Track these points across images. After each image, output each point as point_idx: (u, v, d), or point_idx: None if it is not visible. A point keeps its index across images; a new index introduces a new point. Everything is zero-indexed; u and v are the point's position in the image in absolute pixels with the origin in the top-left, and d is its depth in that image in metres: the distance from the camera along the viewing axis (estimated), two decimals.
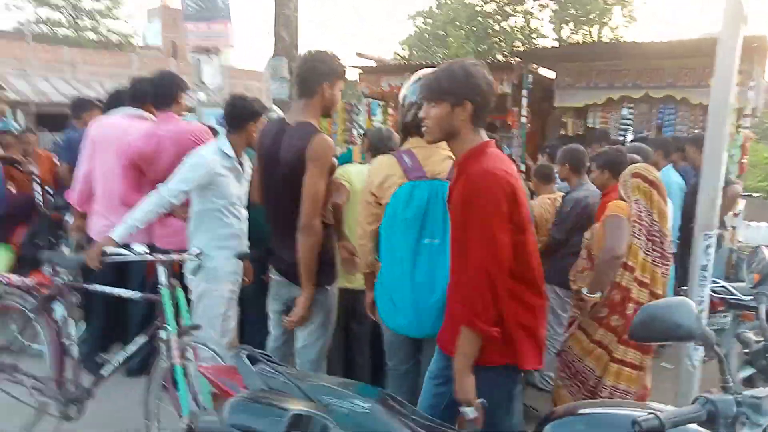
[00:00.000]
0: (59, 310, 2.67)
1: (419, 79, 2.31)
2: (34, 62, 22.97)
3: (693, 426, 1.21)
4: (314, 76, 2.40)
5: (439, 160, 2.26)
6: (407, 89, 2.35)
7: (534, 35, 19.84)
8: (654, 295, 2.86)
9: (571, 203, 3.60)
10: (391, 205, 2.24)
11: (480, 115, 1.83)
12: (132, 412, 2.70)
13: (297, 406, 1.27)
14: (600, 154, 3.58)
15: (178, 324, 2.50)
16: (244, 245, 2.88)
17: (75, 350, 2.69)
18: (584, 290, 2.85)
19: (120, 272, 3.22)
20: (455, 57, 18.89)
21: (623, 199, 2.92)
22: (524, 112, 7.16)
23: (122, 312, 3.35)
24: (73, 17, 34.15)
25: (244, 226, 2.89)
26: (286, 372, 1.51)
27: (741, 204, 6.75)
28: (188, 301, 2.69)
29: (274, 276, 2.61)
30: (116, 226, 2.55)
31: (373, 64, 8.36)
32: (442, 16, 21.54)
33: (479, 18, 19.87)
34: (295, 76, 2.49)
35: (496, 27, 20.15)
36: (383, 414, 1.44)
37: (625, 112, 6.85)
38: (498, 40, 19.25)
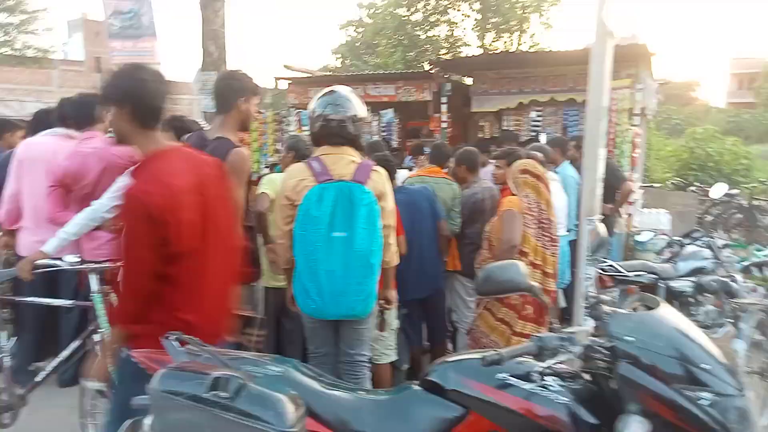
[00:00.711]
0: None
1: (327, 92, 2.62)
2: None
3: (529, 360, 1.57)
4: (230, 92, 2.67)
5: (345, 164, 2.57)
6: (314, 102, 2.65)
7: (459, 43, 20.65)
8: (546, 275, 3.29)
9: (465, 199, 4.04)
10: (303, 205, 2.51)
11: (142, 116, 1.86)
12: (67, 417, 2.85)
13: (217, 371, 1.54)
14: (501, 153, 4.04)
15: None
16: None
17: (6, 360, 2.81)
18: None
19: (51, 285, 3.32)
20: (385, 65, 19.43)
21: (514, 194, 3.33)
22: (444, 117, 7.65)
23: (54, 325, 3.45)
24: None
25: None
26: (211, 350, 1.76)
27: (638, 194, 7.49)
28: None
29: None
30: (49, 240, 2.71)
31: (301, 75, 8.62)
32: (372, 26, 22.04)
33: (407, 27, 20.45)
34: (213, 93, 2.74)
35: (423, 36, 20.81)
36: (295, 375, 1.72)
37: (533, 114, 7.43)
38: (425, 48, 19.91)
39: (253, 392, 1.48)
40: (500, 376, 1.60)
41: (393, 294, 2.85)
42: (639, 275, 4.32)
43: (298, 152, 3.66)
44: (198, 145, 2.69)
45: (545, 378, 1.57)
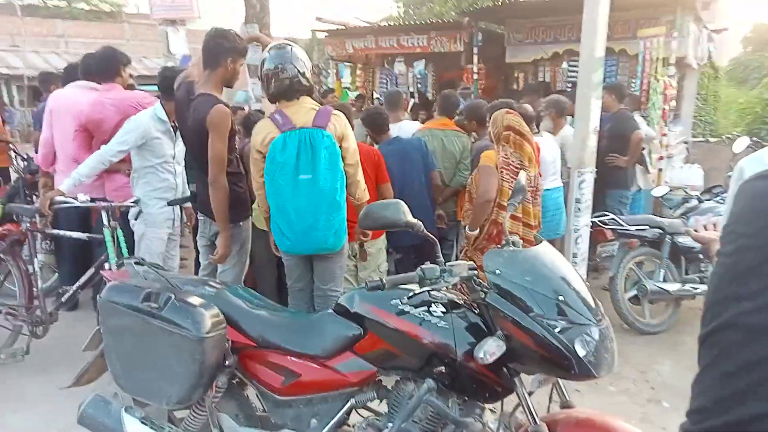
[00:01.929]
0: (26, 249, 3.28)
1: (274, 48, 2.79)
2: (27, 37, 23.18)
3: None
4: (219, 51, 2.88)
5: (304, 112, 2.75)
6: (266, 59, 2.78)
7: None
8: (528, 226, 3.39)
9: (474, 151, 4.13)
10: (270, 154, 2.71)
11: None
12: None
13: (151, 287, 1.85)
14: (548, 103, 4.14)
15: (119, 257, 3.10)
16: (179, 196, 3.42)
17: (40, 282, 3.31)
18: (466, 228, 3.39)
19: (85, 221, 3.78)
20: (439, 14, 18.96)
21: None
22: (476, 68, 7.59)
23: (88, 255, 3.95)
24: None
25: (179, 180, 3.43)
26: (162, 272, 2.09)
27: (679, 148, 7.21)
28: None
29: (199, 216, 3.19)
30: (64, 180, 3.12)
31: (335, 27, 8.74)
32: None
33: None
34: (202, 49, 2.98)
35: None
36: (226, 296, 2.02)
37: (565, 65, 7.24)
38: None
39: (178, 305, 1.79)
40: (396, 302, 1.82)
41: (368, 230, 3.06)
42: (641, 229, 4.32)
43: None
44: (184, 96, 2.97)
45: (431, 306, 1.78)
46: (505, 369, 1.71)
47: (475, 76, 7.61)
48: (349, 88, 9.45)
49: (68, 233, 3.29)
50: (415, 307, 1.79)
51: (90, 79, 3.88)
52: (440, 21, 8.99)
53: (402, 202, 1.82)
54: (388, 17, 28.46)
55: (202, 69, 3.07)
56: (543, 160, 3.83)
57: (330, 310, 1.98)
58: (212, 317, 1.80)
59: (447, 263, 1.76)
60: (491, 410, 1.86)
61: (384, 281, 1.71)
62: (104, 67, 3.75)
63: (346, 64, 9.31)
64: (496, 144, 3.41)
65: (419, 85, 8.67)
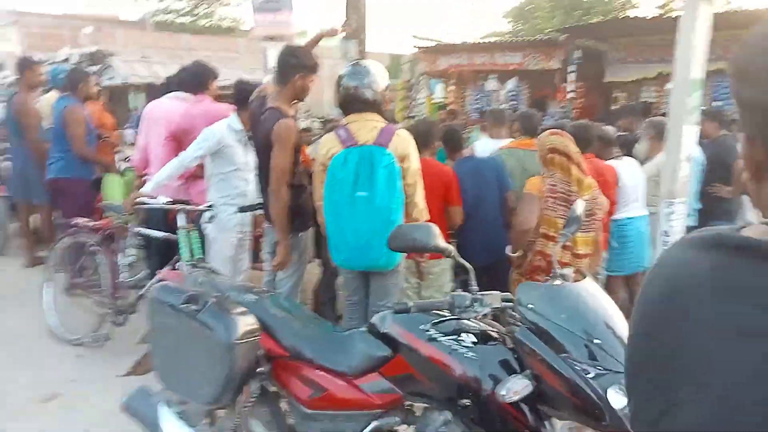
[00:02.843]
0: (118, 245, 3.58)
1: (351, 65, 2.85)
2: (156, 49, 25.49)
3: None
4: (288, 67, 3.02)
5: (368, 129, 2.78)
6: (342, 72, 2.87)
7: (627, 6, 18.88)
8: (576, 256, 3.11)
9: None
10: (330, 169, 2.77)
11: None
12: None
13: (195, 291, 1.94)
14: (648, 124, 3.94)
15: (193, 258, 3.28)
16: (249, 203, 3.57)
17: (125, 275, 3.59)
18: (508, 249, 3.21)
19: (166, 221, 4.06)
20: (543, 30, 18.55)
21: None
22: (571, 87, 7.30)
23: (173, 254, 4.23)
24: (192, 6, 37.07)
25: (250, 187, 3.59)
26: (213, 276, 2.18)
27: None
28: None
29: (265, 224, 3.31)
30: (147, 183, 3.37)
31: (429, 44, 8.79)
32: None
33: None
34: (276, 65, 3.11)
35: None
36: (267, 305, 2.07)
37: (669, 86, 6.76)
38: (587, 10, 18.56)
39: (215, 309, 1.86)
40: (426, 329, 1.77)
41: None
42: None
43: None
44: (257, 109, 3.12)
45: (461, 335, 1.72)
46: (535, 410, 1.61)
47: (571, 95, 7.33)
48: (440, 104, 9.45)
49: (151, 231, 3.54)
50: (445, 335, 1.73)
51: (183, 90, 4.17)
52: (535, 38, 8.76)
53: (434, 225, 1.78)
54: (494, 33, 28.37)
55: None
56: (622, 185, 3.58)
57: (363, 328, 1.97)
58: (246, 325, 1.84)
59: (480, 292, 1.69)
60: None
61: (411, 304, 1.67)
62: (195, 80, 4.02)
63: (439, 80, 9.33)
64: (543, 168, 3.19)
65: (513, 102, 8.49)
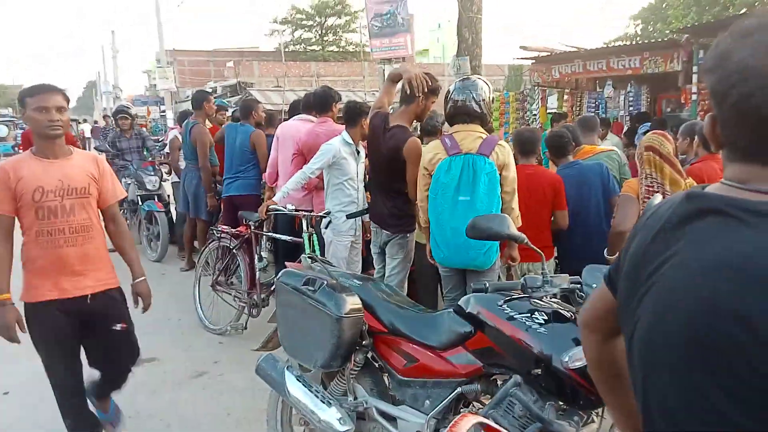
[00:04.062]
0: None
1: (460, 80, 3.14)
2: (289, 77, 27.67)
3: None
4: (413, 90, 3.40)
5: (472, 139, 3.06)
6: (451, 87, 3.18)
7: None
8: None
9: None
10: (435, 174, 3.09)
11: None
12: None
13: (311, 276, 2.34)
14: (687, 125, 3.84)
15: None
16: (358, 209, 3.98)
17: (259, 275, 4.17)
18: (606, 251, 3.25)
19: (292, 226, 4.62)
20: (677, 30, 17.43)
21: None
22: (694, 89, 6.96)
23: (299, 255, 4.79)
24: (320, 35, 39.71)
25: (360, 195, 4.01)
26: (327, 266, 2.59)
27: None
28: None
29: (372, 227, 3.72)
30: (276, 193, 3.93)
31: (539, 54, 8.81)
32: None
33: None
34: (402, 88, 3.49)
35: None
36: (367, 289, 2.41)
37: None
38: (726, 5, 17.14)
39: (327, 290, 2.24)
40: (506, 308, 2.01)
41: (516, 253, 3.23)
42: None
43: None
44: (379, 125, 3.53)
45: (535, 314, 1.93)
46: None
47: (694, 97, 6.99)
48: (555, 113, 9.39)
49: (279, 236, 4.10)
50: (521, 313, 1.96)
51: (308, 113, 4.74)
52: (653, 41, 8.42)
53: (507, 217, 2.02)
54: (624, 36, 27.08)
55: (389, 98, 3.61)
56: None
57: (450, 310, 2.24)
58: (352, 303, 2.20)
59: (550, 275, 1.89)
60: (593, 418, 1.91)
61: (487, 285, 1.92)
62: (320, 103, 4.56)
63: (554, 89, 9.29)
64: (640, 169, 3.18)
65: (631, 108, 8.23)
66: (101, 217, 2.62)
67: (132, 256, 2.68)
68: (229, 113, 6.67)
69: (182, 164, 6.29)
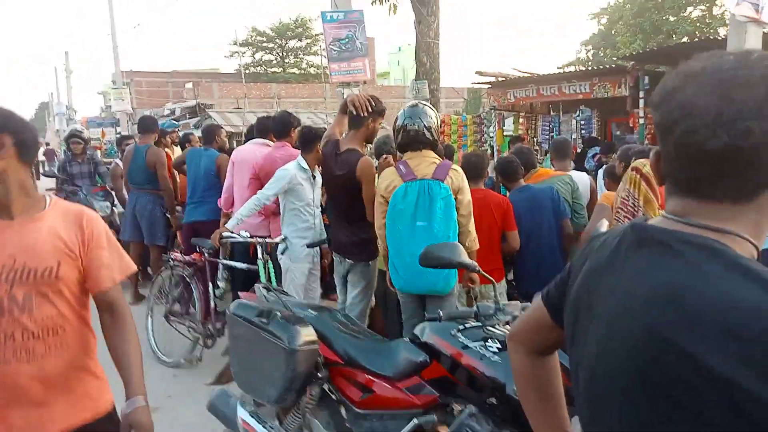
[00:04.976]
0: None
1: (408, 106, 3.17)
2: (249, 99, 27.50)
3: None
4: (362, 113, 3.40)
5: (426, 165, 3.08)
6: (399, 115, 3.21)
7: (716, 24, 18.14)
8: None
9: None
10: (392, 201, 3.08)
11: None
12: None
13: (265, 307, 2.29)
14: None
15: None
16: (317, 235, 3.95)
17: (214, 301, 4.06)
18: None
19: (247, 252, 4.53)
20: (623, 56, 18.23)
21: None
22: (642, 113, 7.25)
23: (255, 281, 4.69)
24: (281, 57, 39.75)
25: (317, 221, 3.97)
26: (282, 296, 2.54)
27: None
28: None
29: (334, 256, 3.67)
30: (230, 219, 3.85)
31: (492, 79, 9.05)
32: (612, 11, 20.92)
33: (650, 10, 18.83)
34: (348, 113, 3.49)
35: (672, 18, 18.84)
36: (323, 319, 2.38)
37: None
38: (670, 33, 18.04)
39: (280, 321, 2.19)
40: (460, 337, 2.01)
41: (475, 276, 3.24)
42: None
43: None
44: (331, 152, 3.52)
45: (488, 341, 1.94)
46: None
47: (641, 121, 7.27)
48: (511, 136, 9.61)
49: (234, 263, 4.01)
50: (474, 341, 1.96)
51: (263, 137, 4.70)
52: (601, 67, 8.78)
53: (458, 244, 2.03)
54: (576, 61, 28.11)
55: (340, 128, 3.61)
56: None
57: (406, 339, 2.23)
58: (306, 335, 2.16)
59: (503, 303, 1.91)
60: None
61: (441, 314, 1.91)
62: (280, 127, 4.53)
63: (510, 113, 9.52)
64: (622, 186, 3.33)
65: (583, 131, 8.50)
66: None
67: (133, 369, 1.73)
68: (180, 133, 6.57)
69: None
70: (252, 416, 2.26)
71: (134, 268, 1.82)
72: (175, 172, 6.00)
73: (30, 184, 1.62)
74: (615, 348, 0.80)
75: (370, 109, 3.41)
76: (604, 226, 2.21)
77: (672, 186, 0.84)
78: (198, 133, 8.41)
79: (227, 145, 5.55)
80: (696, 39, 16.81)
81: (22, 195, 1.59)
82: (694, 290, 0.72)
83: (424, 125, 3.07)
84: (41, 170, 10.10)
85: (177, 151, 7.29)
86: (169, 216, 5.67)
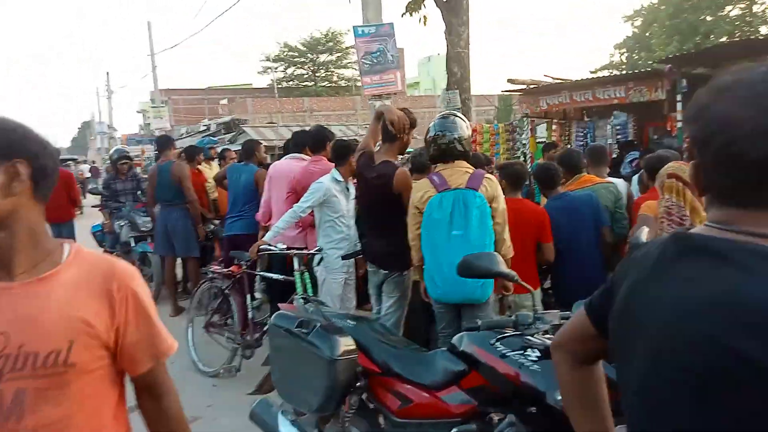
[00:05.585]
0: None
1: (439, 117, 3.20)
2: (282, 113, 27.99)
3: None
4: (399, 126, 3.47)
5: (460, 174, 3.10)
6: (431, 127, 3.23)
7: (758, 21, 17.63)
8: None
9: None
10: (427, 211, 3.11)
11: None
12: None
13: (305, 317, 2.33)
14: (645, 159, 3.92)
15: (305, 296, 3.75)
16: (352, 246, 3.99)
17: (251, 313, 4.14)
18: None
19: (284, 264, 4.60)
20: (660, 59, 17.86)
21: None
22: (679, 117, 7.08)
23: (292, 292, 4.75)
24: (312, 71, 40.36)
25: (352, 231, 4.02)
26: (321, 307, 2.58)
27: None
28: None
29: (369, 267, 3.71)
30: (268, 232, 3.94)
31: (523, 87, 8.99)
32: (648, 15, 20.55)
33: (686, 11, 18.43)
34: (382, 126, 3.55)
35: (709, 19, 18.39)
36: (361, 329, 2.41)
37: None
38: (707, 33, 17.59)
39: (321, 332, 2.23)
40: (498, 346, 2.01)
41: (509, 284, 3.22)
42: None
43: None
44: (366, 164, 3.57)
45: (527, 350, 1.93)
46: None
47: (679, 125, 7.10)
48: (545, 143, 9.51)
49: (271, 275, 4.09)
50: (513, 350, 1.95)
51: (301, 152, 4.79)
52: (637, 71, 8.63)
53: (496, 254, 2.04)
54: (609, 64, 27.69)
55: (375, 139, 3.67)
56: None
57: (444, 349, 2.24)
58: (345, 345, 2.19)
59: (541, 312, 1.90)
60: None
61: (480, 323, 1.92)
62: (316, 142, 4.61)
63: (543, 119, 9.43)
64: (660, 193, 3.27)
65: (618, 137, 8.35)
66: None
67: None
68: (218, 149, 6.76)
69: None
70: (293, 425, 2.30)
71: (173, 347, 1.37)
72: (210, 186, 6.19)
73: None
74: (670, 358, 0.80)
75: (408, 128, 3.49)
76: (644, 234, 2.19)
77: (713, 196, 0.86)
78: (234, 148, 8.63)
79: (266, 160, 5.67)
80: (737, 38, 16.37)
81: (30, 246, 1.15)
82: (753, 295, 0.73)
83: (455, 137, 3.09)
84: (88, 187, 10.47)
85: (215, 167, 7.50)
86: (197, 227, 5.86)
